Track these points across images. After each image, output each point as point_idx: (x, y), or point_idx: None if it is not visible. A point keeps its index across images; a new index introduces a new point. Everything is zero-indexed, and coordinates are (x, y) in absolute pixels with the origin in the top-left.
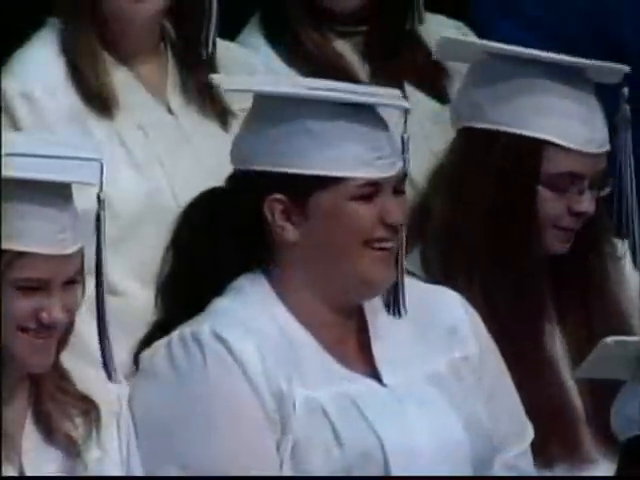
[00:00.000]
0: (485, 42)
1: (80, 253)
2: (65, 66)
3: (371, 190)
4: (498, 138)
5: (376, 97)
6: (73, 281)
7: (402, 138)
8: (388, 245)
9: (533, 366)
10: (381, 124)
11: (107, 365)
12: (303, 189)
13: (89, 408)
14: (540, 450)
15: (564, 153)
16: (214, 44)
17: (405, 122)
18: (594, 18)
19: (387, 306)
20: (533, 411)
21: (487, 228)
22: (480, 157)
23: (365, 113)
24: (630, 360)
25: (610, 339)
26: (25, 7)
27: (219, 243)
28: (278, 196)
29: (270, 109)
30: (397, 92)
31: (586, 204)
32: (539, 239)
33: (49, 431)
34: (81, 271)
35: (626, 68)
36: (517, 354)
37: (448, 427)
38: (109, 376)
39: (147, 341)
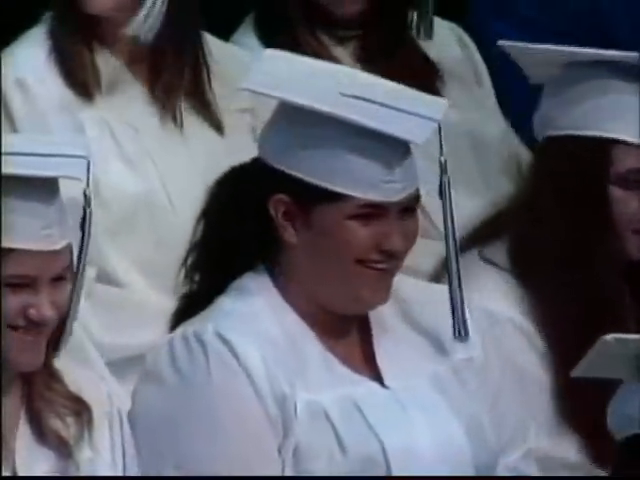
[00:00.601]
0: (558, 48)
1: (68, 249)
2: (53, 56)
3: (371, 211)
4: (566, 143)
5: (404, 115)
6: (61, 277)
7: (440, 161)
8: (382, 266)
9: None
10: (399, 147)
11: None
12: (309, 197)
13: (80, 409)
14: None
15: (633, 149)
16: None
17: (441, 145)
18: (588, 18)
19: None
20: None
21: (561, 237)
22: (550, 165)
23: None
24: (630, 358)
25: (610, 336)
26: (24, 3)
27: (245, 220)
28: (283, 197)
29: (293, 111)
30: (442, 101)
31: None
32: (615, 244)
33: (41, 431)
34: (69, 267)
35: None
36: None
37: (450, 432)
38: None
39: (178, 314)
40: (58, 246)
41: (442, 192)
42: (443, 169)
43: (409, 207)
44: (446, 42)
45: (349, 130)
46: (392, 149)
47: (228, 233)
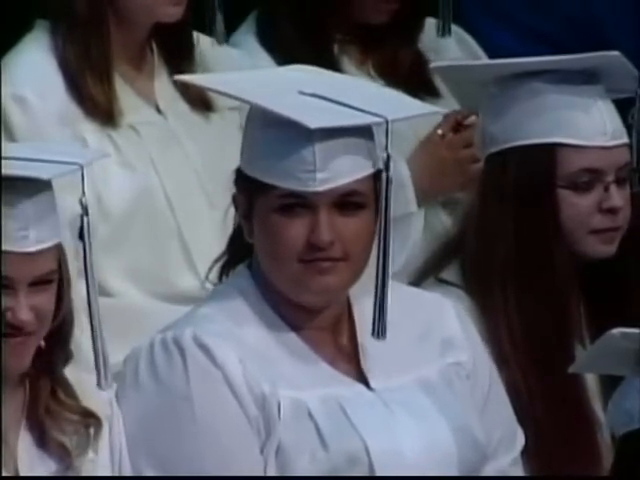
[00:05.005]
0: (472, 62)
1: (51, 253)
2: (60, 71)
3: (292, 202)
4: (509, 156)
5: (345, 110)
6: (45, 281)
7: (382, 157)
8: (320, 259)
9: (563, 384)
10: (325, 138)
11: (99, 372)
12: (250, 191)
13: (89, 422)
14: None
15: (575, 150)
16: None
17: (387, 142)
18: (579, 21)
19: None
20: (552, 424)
21: (516, 249)
22: (495, 180)
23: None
24: (634, 353)
25: (616, 330)
26: (14, 10)
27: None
28: (240, 196)
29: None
30: (411, 106)
31: (615, 200)
32: (570, 248)
33: (42, 441)
34: (57, 271)
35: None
36: (549, 370)
37: (436, 433)
38: (99, 383)
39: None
40: (33, 248)
41: (381, 189)
42: (385, 165)
43: (356, 203)
44: (446, 44)
45: (270, 119)
46: (309, 138)
47: (236, 231)
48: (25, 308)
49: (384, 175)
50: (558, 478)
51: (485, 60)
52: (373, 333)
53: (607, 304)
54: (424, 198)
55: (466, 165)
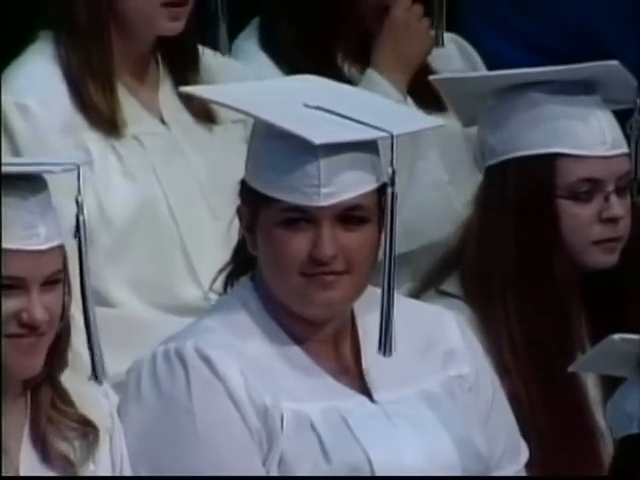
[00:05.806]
0: (470, 74)
1: (58, 252)
2: (65, 80)
3: (295, 216)
4: (509, 168)
5: (350, 124)
6: (53, 281)
7: (387, 172)
8: (322, 273)
9: (565, 393)
10: (331, 152)
11: (95, 368)
12: (253, 203)
13: (87, 431)
14: None
15: (575, 160)
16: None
17: (392, 151)
18: (577, 30)
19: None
20: (554, 433)
21: (516, 259)
22: (495, 192)
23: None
24: (634, 357)
25: (617, 336)
26: (18, 20)
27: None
28: (243, 207)
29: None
30: (416, 120)
31: (615, 209)
32: (571, 258)
33: (45, 452)
34: (62, 270)
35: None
36: (551, 379)
37: (438, 445)
38: (96, 377)
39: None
40: (44, 246)
41: (386, 203)
42: (390, 180)
43: (359, 217)
44: (448, 54)
45: (275, 132)
46: (314, 153)
47: (240, 242)
48: (39, 307)
49: (389, 190)
50: (557, 478)
51: (483, 72)
52: (380, 350)
53: (608, 313)
54: (396, 84)
55: (425, 32)
